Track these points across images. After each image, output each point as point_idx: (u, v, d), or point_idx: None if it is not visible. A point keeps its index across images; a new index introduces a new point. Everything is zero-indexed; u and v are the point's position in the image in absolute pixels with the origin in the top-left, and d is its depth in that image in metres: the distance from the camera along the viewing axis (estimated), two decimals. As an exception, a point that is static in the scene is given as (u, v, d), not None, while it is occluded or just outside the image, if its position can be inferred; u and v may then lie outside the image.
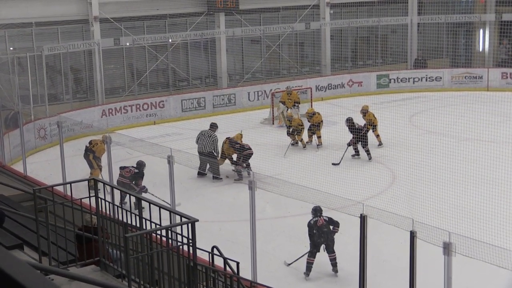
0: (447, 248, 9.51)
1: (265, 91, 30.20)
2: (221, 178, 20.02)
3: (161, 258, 8.12)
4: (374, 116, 22.78)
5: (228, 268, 9.97)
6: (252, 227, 12.40)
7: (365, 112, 22.89)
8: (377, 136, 22.95)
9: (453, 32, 37.31)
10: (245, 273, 11.44)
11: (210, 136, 20.54)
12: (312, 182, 18.33)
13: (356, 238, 10.61)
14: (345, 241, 14.16)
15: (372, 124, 22.65)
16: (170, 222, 8.55)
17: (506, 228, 14.23)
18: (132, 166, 18.71)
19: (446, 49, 36.96)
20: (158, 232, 8.17)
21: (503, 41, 35.66)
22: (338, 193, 14.38)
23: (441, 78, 33.37)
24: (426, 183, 18.50)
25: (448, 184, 18.53)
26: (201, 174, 20.02)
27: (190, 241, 7.85)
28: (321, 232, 13.92)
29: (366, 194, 17.36)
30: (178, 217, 8.32)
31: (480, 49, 36.74)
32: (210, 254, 10.17)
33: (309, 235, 14.10)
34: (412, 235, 9.71)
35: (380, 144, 22.95)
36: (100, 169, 19.55)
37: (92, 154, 19.56)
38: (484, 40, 36.45)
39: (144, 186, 18.12)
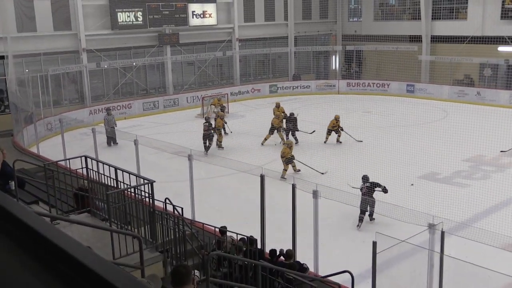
0: (315, 194, 9.77)
1: (197, 96, 30.11)
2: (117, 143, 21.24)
3: (131, 207, 8.14)
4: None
5: (176, 212, 10.04)
6: (191, 184, 12.48)
7: (337, 119, 20.82)
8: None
9: (316, 57, 38.10)
10: (187, 214, 11.52)
11: (106, 119, 21.70)
12: (232, 155, 18.56)
13: (258, 191, 10.72)
14: (251, 193, 14.21)
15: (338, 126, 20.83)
16: (136, 183, 8.54)
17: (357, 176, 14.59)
18: (204, 123, 20.06)
19: (312, 68, 37.67)
20: (129, 190, 8.17)
21: (352, 64, 36.58)
22: (245, 161, 14.59)
23: (309, 86, 34.03)
24: (304, 152, 18.79)
25: (319, 153, 18.92)
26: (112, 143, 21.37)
27: (150, 195, 7.90)
28: (364, 198, 12.53)
29: (263, 161, 17.59)
30: (141, 180, 8.32)
31: (334, 68, 37.64)
32: (164, 203, 10.21)
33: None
34: (293, 187, 9.81)
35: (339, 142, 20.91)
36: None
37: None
38: (335, 62, 37.35)
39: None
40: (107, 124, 21.26)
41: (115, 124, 21.80)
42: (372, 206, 12.76)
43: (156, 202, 8.17)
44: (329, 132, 20.85)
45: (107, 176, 8.48)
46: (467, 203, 13.77)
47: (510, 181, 15.32)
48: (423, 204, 12.91)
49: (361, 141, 20.73)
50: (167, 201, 10.24)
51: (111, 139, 21.26)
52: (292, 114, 21.39)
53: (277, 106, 22.67)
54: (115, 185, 8.30)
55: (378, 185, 13.05)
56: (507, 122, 21.50)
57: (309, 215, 9.80)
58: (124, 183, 8.24)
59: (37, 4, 25.83)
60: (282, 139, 20.66)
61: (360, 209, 12.67)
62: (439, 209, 12.15)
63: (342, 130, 20.79)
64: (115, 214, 8.18)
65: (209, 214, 13.25)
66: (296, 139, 20.86)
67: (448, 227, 8.60)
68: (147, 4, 28.79)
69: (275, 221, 11.89)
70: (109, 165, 8.43)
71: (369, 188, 12.96)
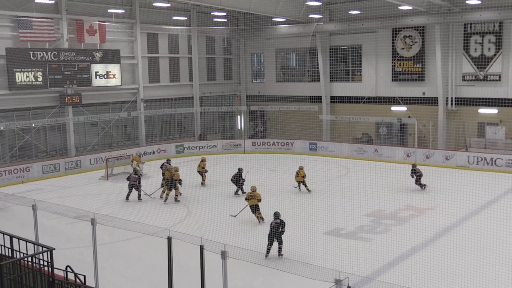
0: (223, 255, 9.71)
1: (101, 157, 29.33)
2: None
3: (28, 278, 7.70)
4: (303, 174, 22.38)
5: (77, 280, 9.53)
6: (94, 250, 11.97)
7: (298, 171, 22.47)
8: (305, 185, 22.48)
9: (222, 117, 38.73)
10: (91, 283, 10.96)
11: None
12: (138, 217, 18.03)
13: (165, 254, 10.47)
14: (158, 257, 13.90)
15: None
16: (34, 251, 8.09)
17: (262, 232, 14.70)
18: (133, 174, 21.63)
19: (218, 128, 38.16)
20: (25, 259, 7.74)
21: (257, 124, 37.46)
22: (151, 223, 14.23)
23: (216, 146, 34.30)
24: (211, 213, 18.75)
25: (226, 211, 18.89)
26: None
27: (49, 263, 7.55)
28: (273, 230, 14.33)
29: (170, 223, 17.33)
30: (40, 247, 7.92)
31: (239, 127, 38.36)
32: (65, 272, 9.70)
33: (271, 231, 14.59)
34: (201, 248, 9.76)
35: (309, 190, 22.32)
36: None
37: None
38: (241, 122, 38.09)
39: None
40: None
41: None
42: (280, 242, 14.37)
43: (56, 271, 7.81)
44: (301, 183, 22.38)
45: (1, 245, 8.01)
46: (371, 256, 14.27)
47: (409, 234, 16.12)
48: (328, 260, 13.22)
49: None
50: (69, 269, 9.73)
51: None
52: (240, 169, 22.44)
53: (203, 160, 24.39)
54: (10, 255, 7.86)
55: (283, 225, 14.59)
56: (402, 177, 22.81)
57: (219, 276, 9.69)
58: (20, 251, 7.83)
59: None
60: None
61: (269, 241, 14.32)
62: (345, 264, 12.48)
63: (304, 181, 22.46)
64: (9, 286, 7.66)
65: (114, 281, 12.71)
66: (242, 191, 21.95)
67: (354, 282, 8.83)
68: (47, 64, 28.12)
69: (184, 285, 11.63)
70: (3, 233, 8.02)
71: (278, 223, 14.47)
